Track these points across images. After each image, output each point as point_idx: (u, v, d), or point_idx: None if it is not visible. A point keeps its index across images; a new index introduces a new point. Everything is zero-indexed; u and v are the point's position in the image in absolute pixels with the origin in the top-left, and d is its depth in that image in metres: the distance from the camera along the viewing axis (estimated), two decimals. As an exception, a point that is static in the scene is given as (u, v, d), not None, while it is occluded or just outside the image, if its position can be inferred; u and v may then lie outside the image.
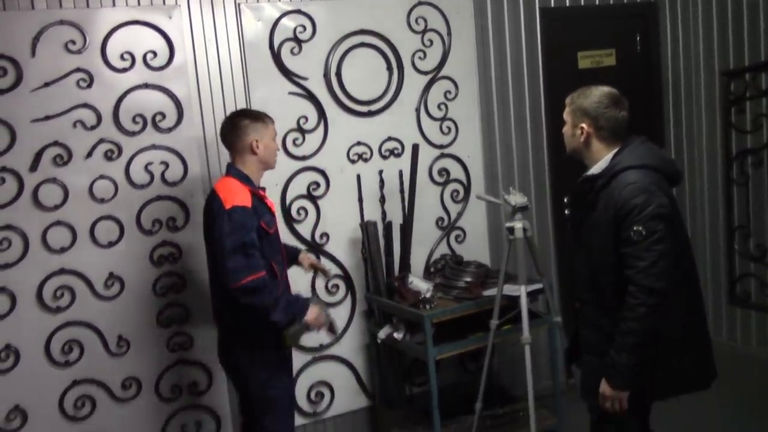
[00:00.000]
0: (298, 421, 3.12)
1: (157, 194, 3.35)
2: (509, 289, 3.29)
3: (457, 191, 4.07)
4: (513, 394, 3.97)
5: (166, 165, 3.36)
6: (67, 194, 3.19)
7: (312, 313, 2.79)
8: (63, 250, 3.19)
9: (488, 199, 3.52)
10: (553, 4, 4.23)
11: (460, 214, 4.08)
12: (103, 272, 3.27)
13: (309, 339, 3.68)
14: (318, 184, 3.71)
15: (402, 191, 3.84)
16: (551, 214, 4.27)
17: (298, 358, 3.62)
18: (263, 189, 2.93)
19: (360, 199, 3.77)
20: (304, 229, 3.69)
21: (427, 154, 3.92)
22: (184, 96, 3.37)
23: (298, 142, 3.64)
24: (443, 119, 3.99)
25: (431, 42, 3.92)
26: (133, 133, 3.29)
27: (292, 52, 3.59)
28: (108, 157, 3.25)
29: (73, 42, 3.16)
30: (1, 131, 3.08)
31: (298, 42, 3.60)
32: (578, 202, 2.53)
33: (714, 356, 2.47)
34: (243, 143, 2.82)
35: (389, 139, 3.85)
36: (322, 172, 3.71)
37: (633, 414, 2.38)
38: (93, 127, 3.21)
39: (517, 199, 3.11)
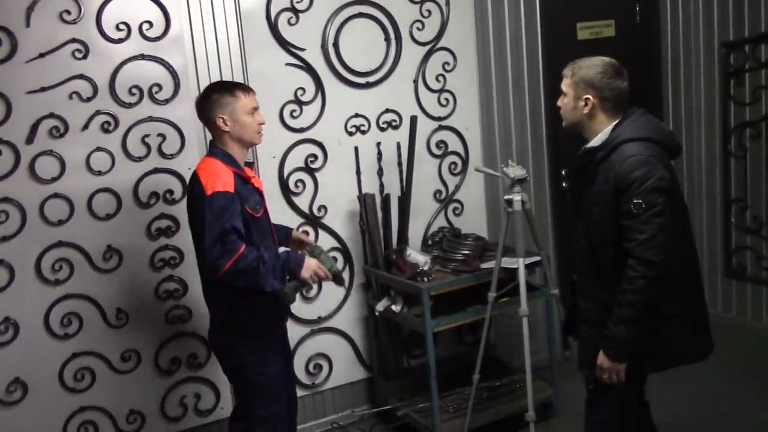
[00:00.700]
0: (297, 393, 3.13)
1: (154, 167, 3.33)
2: (507, 262, 3.30)
3: (455, 163, 4.07)
4: (510, 366, 4.00)
5: (164, 137, 3.33)
6: (64, 166, 3.17)
7: (308, 270, 2.65)
8: (61, 222, 3.18)
9: (486, 172, 3.51)
10: (552, -26, 4.18)
11: (458, 187, 4.08)
12: (101, 245, 3.27)
13: (308, 311, 3.71)
14: (315, 157, 3.69)
15: (400, 163, 3.83)
16: (549, 187, 4.26)
17: (295, 330, 3.65)
18: (251, 165, 2.79)
19: (358, 172, 3.76)
20: (302, 201, 3.68)
21: (425, 126, 3.91)
22: (181, 67, 3.34)
23: (296, 114, 3.62)
24: (441, 91, 3.98)
25: (429, 12, 3.88)
26: (129, 105, 3.25)
27: (289, 22, 3.55)
28: (105, 129, 3.22)
29: (68, 12, 3.11)
30: (-4, 103, 3.05)
31: (295, 12, 3.56)
32: (577, 174, 2.51)
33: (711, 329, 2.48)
34: (208, 120, 2.68)
35: (387, 111, 3.83)
36: (320, 144, 3.69)
37: (629, 385, 2.40)
38: (89, 99, 3.18)
39: (515, 171, 3.10)
